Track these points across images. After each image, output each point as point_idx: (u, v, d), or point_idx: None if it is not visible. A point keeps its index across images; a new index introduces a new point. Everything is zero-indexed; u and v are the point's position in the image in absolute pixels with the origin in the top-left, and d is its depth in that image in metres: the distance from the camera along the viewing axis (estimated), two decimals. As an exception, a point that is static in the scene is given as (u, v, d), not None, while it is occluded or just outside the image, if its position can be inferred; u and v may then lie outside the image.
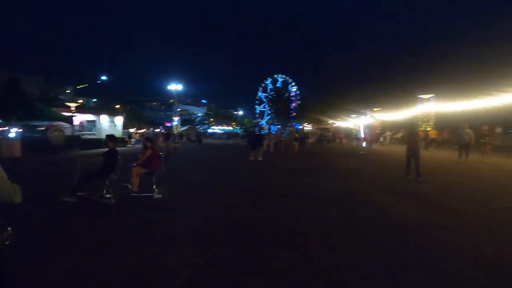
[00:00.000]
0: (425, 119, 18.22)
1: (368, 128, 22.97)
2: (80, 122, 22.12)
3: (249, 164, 11.77)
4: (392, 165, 10.73)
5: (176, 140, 30.63)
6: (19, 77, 19.27)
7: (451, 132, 17.17)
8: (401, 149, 18.98)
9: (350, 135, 26.30)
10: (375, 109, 22.66)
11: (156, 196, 5.23)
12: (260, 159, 12.83)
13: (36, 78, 41.80)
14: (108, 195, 5.02)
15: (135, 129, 51.56)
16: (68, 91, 78.92)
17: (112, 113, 25.46)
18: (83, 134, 22.10)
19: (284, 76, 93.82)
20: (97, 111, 23.96)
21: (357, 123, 29.71)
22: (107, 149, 5.41)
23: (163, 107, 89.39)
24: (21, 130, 19.51)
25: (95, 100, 70.29)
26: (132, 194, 5.26)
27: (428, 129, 18.12)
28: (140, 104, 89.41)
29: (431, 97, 17.31)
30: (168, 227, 3.99)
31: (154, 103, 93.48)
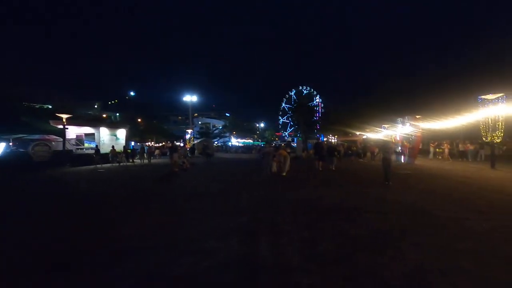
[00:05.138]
0: (491, 127, 13.52)
1: (408, 140, 18.69)
2: (77, 136, 20.28)
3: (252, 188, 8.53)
4: (474, 202, 6.71)
5: (189, 155, 28.14)
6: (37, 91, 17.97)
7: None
8: (459, 167, 14.40)
9: (386, 148, 21.76)
10: (417, 116, 18.36)
11: None
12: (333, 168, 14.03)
13: (54, 93, 42.53)
14: None
15: (152, 142, 50.60)
16: (96, 106, 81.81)
17: (114, 125, 23.55)
18: (81, 149, 20.22)
19: (309, 88, 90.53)
20: (96, 123, 22.11)
21: (392, 134, 25.26)
22: None
23: (187, 121, 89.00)
24: (10, 144, 17.84)
25: (118, 114, 71.66)
26: None
27: (497, 139, 13.56)
28: (164, 118, 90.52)
29: (498, 97, 12.82)
30: None
31: (180, 117, 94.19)
